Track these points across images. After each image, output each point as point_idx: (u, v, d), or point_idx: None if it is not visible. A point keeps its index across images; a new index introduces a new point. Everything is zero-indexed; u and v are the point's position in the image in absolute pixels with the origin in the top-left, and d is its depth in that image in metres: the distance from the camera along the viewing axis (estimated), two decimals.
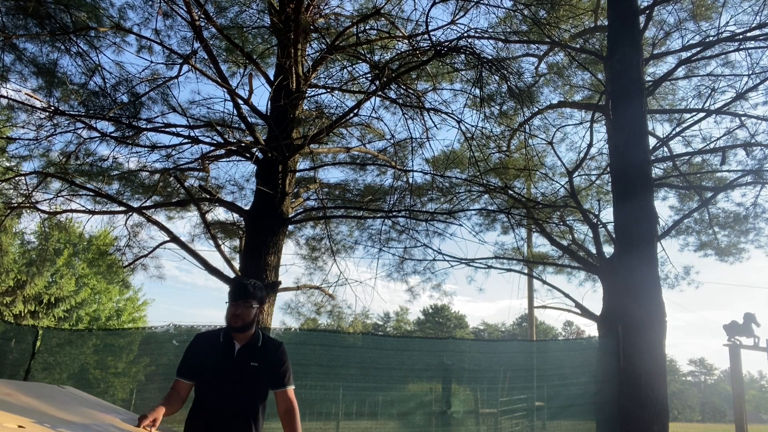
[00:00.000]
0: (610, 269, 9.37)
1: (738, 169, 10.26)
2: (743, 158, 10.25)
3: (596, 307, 10.20)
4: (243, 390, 2.64)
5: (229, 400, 2.62)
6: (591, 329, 14.85)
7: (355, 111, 7.24)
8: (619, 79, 7.95)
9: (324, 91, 8.83)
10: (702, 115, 9.97)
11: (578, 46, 10.16)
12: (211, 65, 7.55)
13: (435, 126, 7.34)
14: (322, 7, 8.57)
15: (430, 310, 63.58)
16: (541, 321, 63.52)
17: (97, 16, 7.35)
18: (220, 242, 8.18)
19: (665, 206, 16.60)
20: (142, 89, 7.47)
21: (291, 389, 2.74)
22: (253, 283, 2.72)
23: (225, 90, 7.54)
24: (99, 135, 7.42)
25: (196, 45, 7.10)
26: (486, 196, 10.36)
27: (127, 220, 8.42)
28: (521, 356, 8.65)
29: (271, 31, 8.62)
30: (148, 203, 8.42)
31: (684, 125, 10.46)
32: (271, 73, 8.80)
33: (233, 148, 7.81)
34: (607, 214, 20.15)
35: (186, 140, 7.57)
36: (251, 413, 2.65)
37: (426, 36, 6.75)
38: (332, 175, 44.90)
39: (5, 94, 7.25)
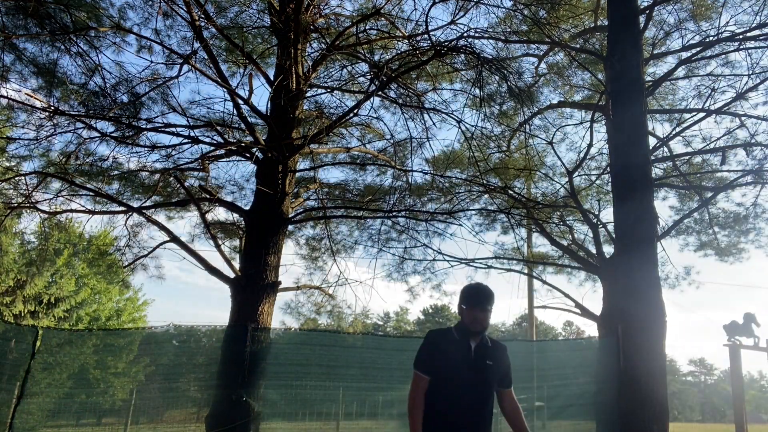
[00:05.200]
0: (610, 269, 9.37)
1: (738, 169, 10.26)
2: (743, 158, 10.26)
3: (596, 307, 10.21)
4: (485, 386, 2.86)
5: (471, 396, 2.82)
6: (591, 329, 14.86)
7: (355, 111, 7.24)
8: (619, 79, 7.94)
9: (324, 91, 8.84)
10: (702, 115, 9.96)
11: (578, 46, 10.15)
12: (211, 65, 7.55)
13: (435, 126, 7.34)
14: (322, 7, 8.57)
15: (430, 310, 63.56)
16: (541, 321, 63.47)
17: (97, 16, 7.35)
18: (220, 242, 8.18)
19: (665, 206, 16.59)
20: (142, 89, 7.47)
21: (512, 389, 3.06)
22: (491, 290, 2.97)
23: (225, 90, 7.54)
24: (99, 135, 7.42)
25: (196, 45, 7.09)
26: (486, 196, 10.36)
27: (127, 220, 8.41)
28: (521, 356, 8.63)
29: (271, 31, 8.62)
30: (148, 203, 8.42)
31: (684, 125, 10.45)
32: (271, 73, 8.80)
33: (233, 148, 7.81)
34: (607, 214, 20.12)
35: (186, 140, 7.56)
36: (490, 408, 2.87)
37: (426, 36, 6.75)
38: (332, 175, 44.84)
39: (5, 94, 7.25)
